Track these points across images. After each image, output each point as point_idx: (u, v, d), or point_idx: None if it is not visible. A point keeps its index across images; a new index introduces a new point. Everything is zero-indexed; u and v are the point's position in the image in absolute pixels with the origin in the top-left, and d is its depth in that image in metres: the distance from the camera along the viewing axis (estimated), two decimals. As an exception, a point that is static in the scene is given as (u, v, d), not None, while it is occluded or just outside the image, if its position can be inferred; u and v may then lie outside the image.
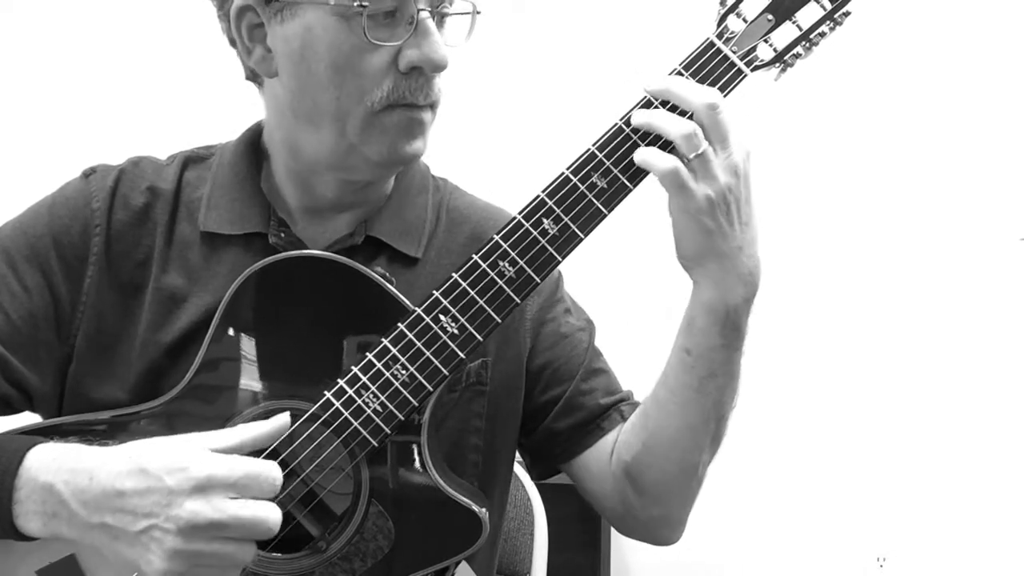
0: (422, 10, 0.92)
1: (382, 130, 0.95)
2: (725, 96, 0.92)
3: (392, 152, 0.97)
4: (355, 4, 0.91)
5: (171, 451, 0.83)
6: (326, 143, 0.97)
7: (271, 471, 0.84)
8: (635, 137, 0.91)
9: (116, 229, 1.02)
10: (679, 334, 0.98)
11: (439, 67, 0.94)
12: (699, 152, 0.88)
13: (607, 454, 1.08)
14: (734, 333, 0.95)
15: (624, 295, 2.31)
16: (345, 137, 0.96)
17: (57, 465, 0.85)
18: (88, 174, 1.05)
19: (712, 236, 0.90)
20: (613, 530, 2.32)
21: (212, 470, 0.81)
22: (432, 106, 0.98)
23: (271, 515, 0.82)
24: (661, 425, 1.01)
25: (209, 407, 0.94)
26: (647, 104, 0.92)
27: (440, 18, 0.96)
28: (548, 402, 1.10)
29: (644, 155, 0.89)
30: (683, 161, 0.88)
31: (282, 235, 1.02)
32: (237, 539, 0.82)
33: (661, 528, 1.09)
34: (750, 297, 0.94)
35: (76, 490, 0.83)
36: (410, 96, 0.94)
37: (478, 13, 0.98)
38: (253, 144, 1.08)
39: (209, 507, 0.80)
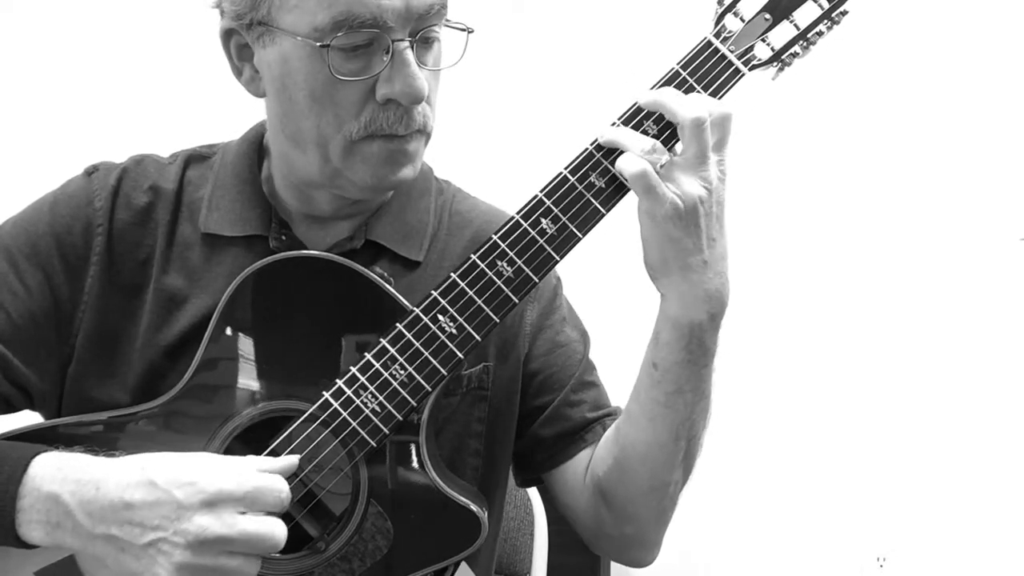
0: (398, 40, 0.91)
1: (363, 159, 0.95)
2: (721, 96, 0.92)
3: (376, 180, 0.96)
4: (317, 44, 0.90)
5: (180, 464, 0.83)
6: (313, 165, 0.97)
7: (278, 484, 0.84)
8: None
9: (118, 229, 1.02)
10: (648, 348, 0.97)
11: (415, 100, 0.92)
12: (661, 164, 0.88)
13: (584, 467, 1.07)
14: (700, 349, 0.94)
15: (622, 302, 2.30)
16: (329, 162, 0.96)
17: (63, 475, 0.84)
18: (91, 172, 1.05)
19: (677, 246, 0.89)
20: (613, 530, 2.32)
21: (221, 484, 0.81)
22: (420, 132, 0.96)
23: (276, 530, 0.82)
24: (631, 440, 1.00)
25: (207, 407, 0.94)
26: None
27: (426, 41, 0.95)
28: (536, 409, 1.09)
29: (618, 163, 0.90)
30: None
31: (283, 238, 1.02)
32: (243, 554, 0.82)
33: (633, 548, 1.08)
34: (716, 315, 0.93)
35: (82, 500, 0.83)
36: (388, 128, 0.93)
37: (471, 32, 0.97)
38: (255, 144, 1.08)
39: (218, 522, 0.80)
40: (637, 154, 0.88)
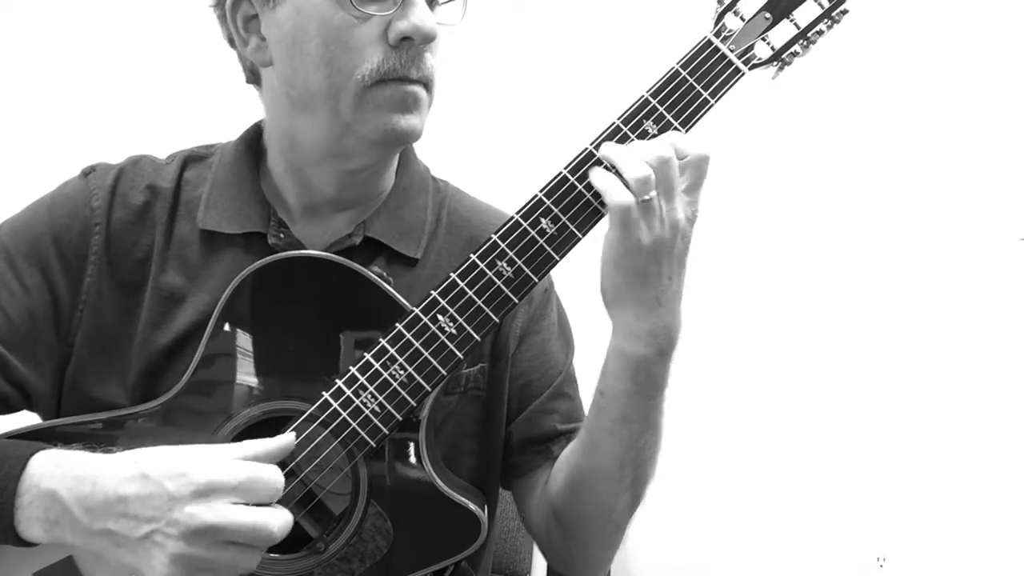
0: None
1: (376, 106, 0.95)
2: (720, 97, 0.92)
3: (387, 128, 0.96)
4: None
5: (173, 457, 0.83)
6: (321, 127, 0.97)
7: (272, 475, 0.84)
8: (633, 136, 0.91)
9: (116, 227, 1.02)
10: (600, 374, 0.97)
11: (428, 37, 0.94)
12: (646, 198, 0.87)
13: (543, 482, 1.08)
14: (647, 381, 0.93)
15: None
16: (339, 116, 0.96)
17: (61, 472, 0.85)
18: (87, 172, 1.06)
19: (633, 280, 0.89)
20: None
21: (212, 475, 0.81)
22: (426, 84, 0.97)
23: (272, 520, 0.82)
24: (580, 464, 1.01)
25: (206, 407, 0.94)
26: (643, 104, 0.91)
27: (430, 2, 0.97)
28: (510, 413, 1.10)
29: (604, 183, 0.89)
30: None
31: (281, 235, 1.02)
32: (239, 544, 0.82)
33: (580, 568, 1.08)
34: (665, 351, 0.92)
35: (79, 497, 0.83)
36: (401, 69, 0.94)
37: None
38: (253, 144, 1.08)
39: (210, 512, 0.80)
40: (628, 179, 0.87)
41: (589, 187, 0.91)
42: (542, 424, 1.09)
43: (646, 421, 0.95)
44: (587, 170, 0.91)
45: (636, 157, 0.88)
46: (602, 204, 0.91)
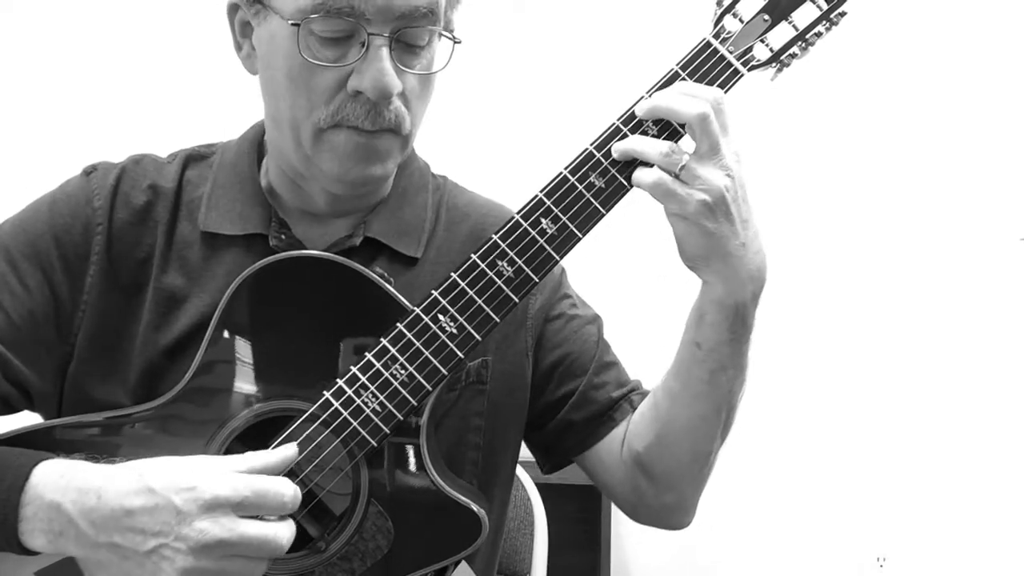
0: (374, 35, 0.91)
1: (331, 148, 0.96)
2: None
3: (343, 173, 0.97)
4: (289, 23, 0.91)
5: (178, 470, 0.83)
6: (288, 149, 0.99)
7: (279, 488, 0.83)
8: (633, 136, 0.91)
9: (117, 228, 1.02)
10: (688, 328, 0.99)
11: (382, 95, 0.93)
12: (682, 165, 0.89)
13: (619, 444, 1.09)
14: (742, 327, 0.96)
15: (626, 286, 2.31)
16: (301, 147, 0.97)
17: (64, 483, 0.84)
18: (89, 172, 1.05)
19: (715, 237, 0.90)
20: (613, 530, 2.32)
21: (219, 490, 0.81)
22: (393, 131, 0.96)
23: (279, 533, 0.82)
24: (673, 416, 1.02)
25: (206, 409, 0.94)
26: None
27: (410, 47, 0.95)
28: (562, 396, 1.10)
29: (638, 176, 0.91)
30: (671, 175, 0.89)
31: (283, 237, 1.02)
32: (247, 557, 0.82)
33: (673, 514, 1.11)
34: (758, 292, 0.95)
35: (84, 509, 0.83)
36: (354, 119, 0.94)
37: (457, 42, 0.97)
38: (255, 143, 1.08)
39: (217, 526, 0.80)
40: (656, 160, 0.89)
41: (589, 187, 0.91)
42: (598, 399, 1.10)
43: (739, 366, 0.99)
44: (587, 170, 0.91)
45: (647, 141, 0.90)
46: (602, 204, 0.91)
